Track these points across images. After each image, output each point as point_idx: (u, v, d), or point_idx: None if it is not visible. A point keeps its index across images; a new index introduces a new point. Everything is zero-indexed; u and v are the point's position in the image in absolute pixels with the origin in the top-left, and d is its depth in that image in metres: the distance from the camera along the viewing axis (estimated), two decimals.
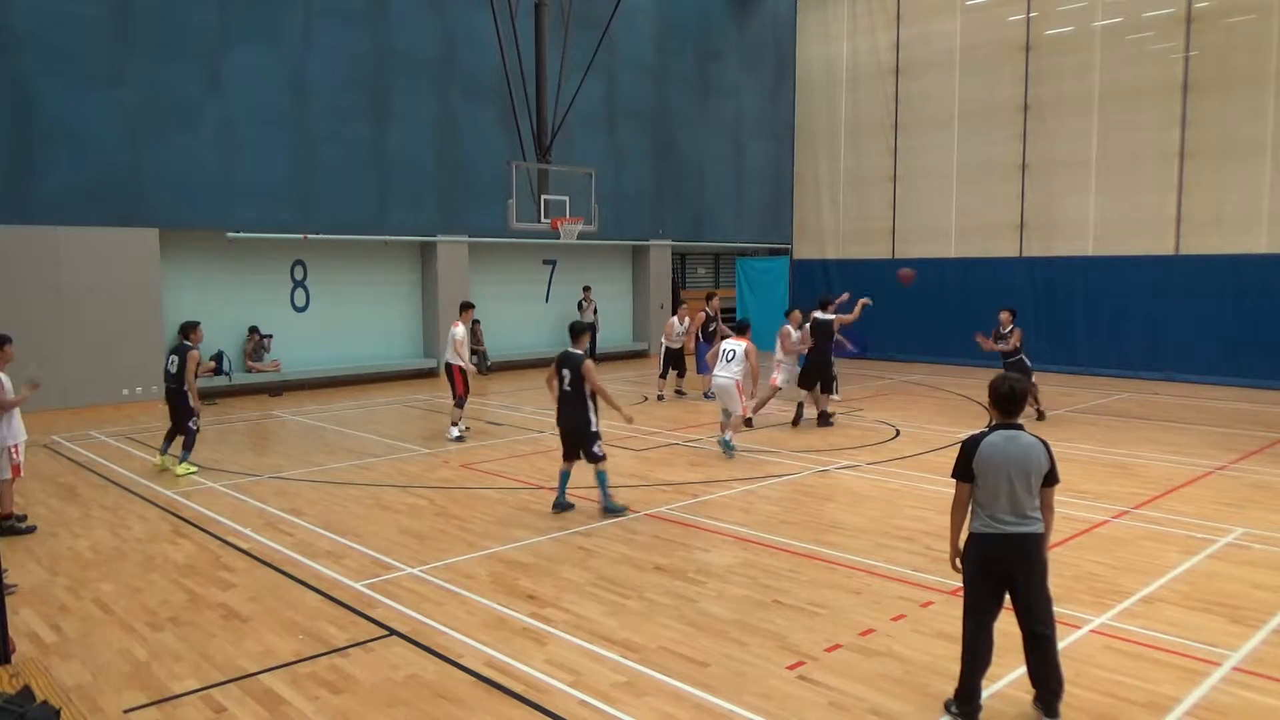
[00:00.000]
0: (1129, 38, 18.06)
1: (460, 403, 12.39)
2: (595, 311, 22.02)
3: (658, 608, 6.13)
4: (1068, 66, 18.72)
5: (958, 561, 4.69)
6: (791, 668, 5.18)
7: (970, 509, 4.60)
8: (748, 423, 11.88)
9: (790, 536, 7.71)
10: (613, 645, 5.52)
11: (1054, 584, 6.31)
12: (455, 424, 12.43)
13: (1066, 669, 5.04)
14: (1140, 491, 9.14)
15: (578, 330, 8.76)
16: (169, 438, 10.60)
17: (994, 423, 4.64)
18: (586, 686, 4.97)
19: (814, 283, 23.46)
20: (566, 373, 8.46)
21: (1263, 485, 9.41)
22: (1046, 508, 4.54)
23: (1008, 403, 4.56)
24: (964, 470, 4.54)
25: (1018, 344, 13.16)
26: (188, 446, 10.38)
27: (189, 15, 15.80)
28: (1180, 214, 17.53)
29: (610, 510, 8.42)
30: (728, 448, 10.97)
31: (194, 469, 10.37)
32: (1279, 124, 16.40)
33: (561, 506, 8.57)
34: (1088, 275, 18.69)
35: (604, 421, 8.90)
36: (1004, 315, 13.45)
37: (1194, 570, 6.78)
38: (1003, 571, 4.47)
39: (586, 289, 22.15)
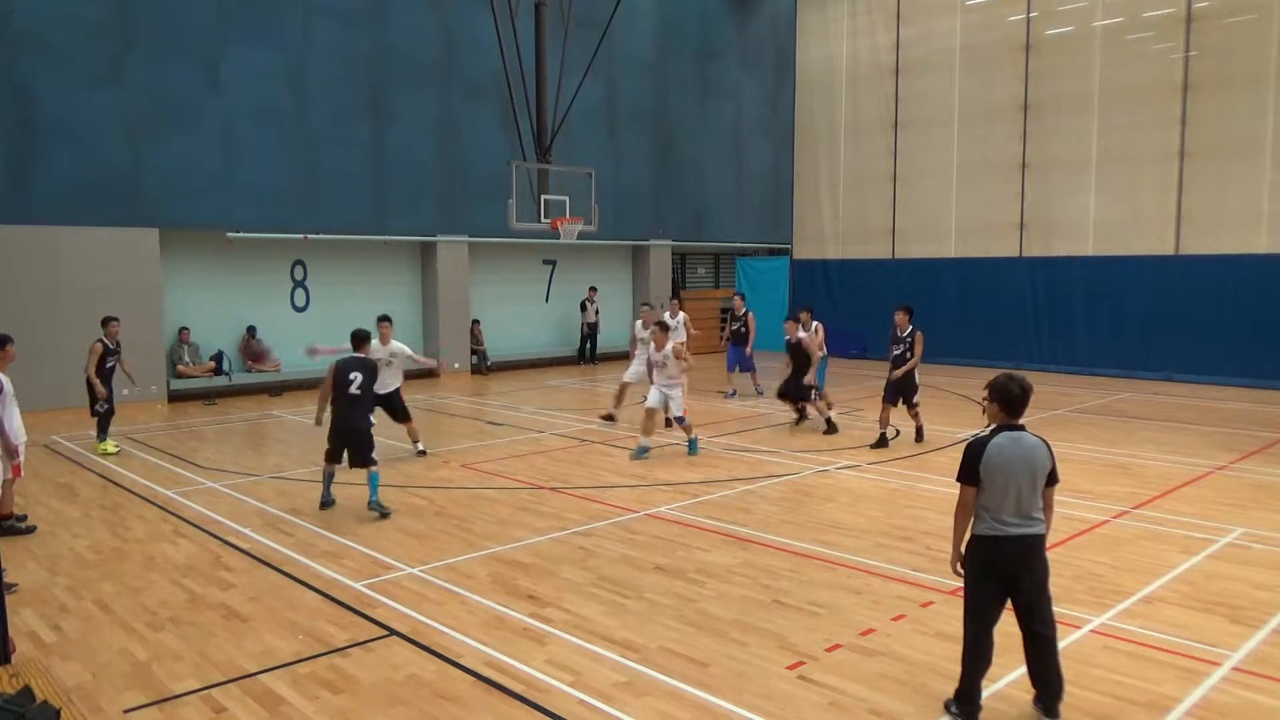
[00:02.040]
0: (1129, 38, 18.06)
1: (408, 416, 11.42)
2: (597, 313, 22.03)
3: (658, 608, 6.13)
4: (1068, 66, 18.72)
5: (959, 565, 4.66)
6: (791, 668, 5.18)
7: (974, 512, 4.56)
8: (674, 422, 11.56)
9: (790, 536, 7.71)
10: (613, 645, 5.52)
11: (1054, 584, 6.31)
12: (416, 440, 11.46)
13: (1066, 669, 5.04)
14: (1140, 491, 9.13)
15: (361, 337, 8.99)
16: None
17: (996, 424, 4.57)
18: (586, 686, 4.97)
19: (814, 283, 23.49)
20: (358, 376, 8.56)
21: (1263, 485, 9.41)
22: (1047, 507, 4.53)
23: (1019, 405, 4.51)
24: (971, 474, 4.50)
25: (919, 352, 11.73)
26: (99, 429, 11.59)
27: (189, 15, 15.80)
28: (1180, 214, 17.53)
29: (377, 507, 8.52)
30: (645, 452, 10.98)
31: (114, 449, 11.56)
32: (1279, 124, 16.40)
33: (328, 504, 8.82)
34: (1088, 275, 18.69)
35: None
36: (899, 316, 12.07)
37: (1194, 570, 6.77)
38: (1006, 573, 4.46)
39: (592, 289, 22.10)
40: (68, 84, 14.65)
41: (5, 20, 14.08)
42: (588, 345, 22.10)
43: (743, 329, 16.44)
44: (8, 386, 7.72)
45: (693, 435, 11.29)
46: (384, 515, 8.43)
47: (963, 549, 4.63)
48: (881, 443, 11.41)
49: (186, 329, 16.40)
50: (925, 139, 21.10)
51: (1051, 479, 4.52)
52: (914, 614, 5.95)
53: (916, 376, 11.61)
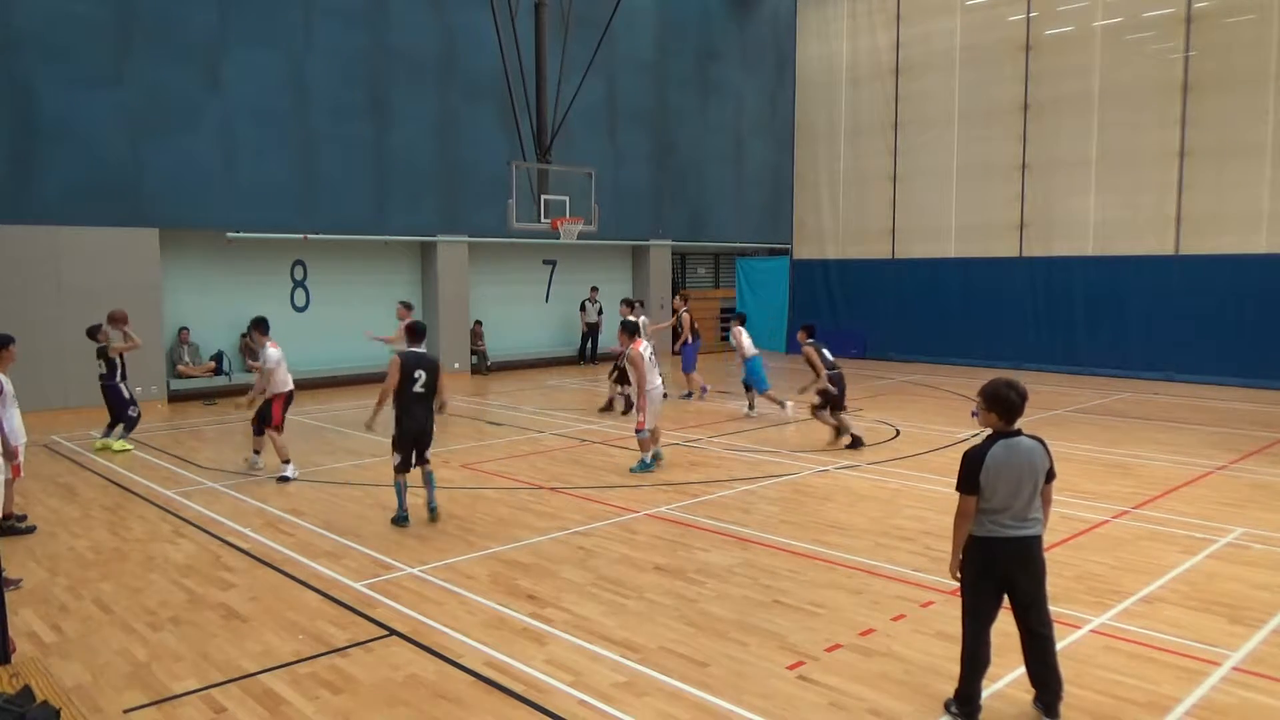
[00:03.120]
0: (1129, 38, 18.06)
1: (262, 431, 10.51)
2: (600, 312, 22.00)
3: (658, 608, 6.13)
4: (1068, 66, 18.72)
5: (958, 570, 4.65)
6: (791, 668, 5.18)
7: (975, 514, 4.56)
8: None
9: (790, 536, 7.71)
10: (613, 645, 5.52)
11: (1054, 584, 6.31)
12: (258, 452, 10.68)
13: (1066, 669, 5.04)
14: (1140, 491, 9.13)
15: (418, 331, 8.49)
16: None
17: (993, 431, 4.53)
18: (586, 686, 4.97)
19: (814, 283, 23.50)
20: (422, 373, 8.16)
21: (1263, 485, 9.41)
22: (1045, 502, 4.55)
23: (1017, 412, 4.47)
24: (970, 484, 4.47)
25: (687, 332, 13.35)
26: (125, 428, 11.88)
27: (189, 15, 15.80)
28: (1180, 214, 17.53)
29: (433, 509, 8.37)
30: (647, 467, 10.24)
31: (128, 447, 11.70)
32: (1279, 124, 16.40)
33: (403, 521, 8.32)
34: (1088, 275, 18.70)
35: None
36: (675, 301, 13.66)
37: (1194, 570, 6.77)
38: (1003, 574, 4.47)
39: (594, 289, 22.08)
40: (68, 84, 14.65)
41: (5, 20, 14.08)
42: (588, 345, 22.07)
43: (679, 328, 16.20)
44: (8, 387, 7.72)
45: (645, 455, 10.20)
46: (434, 518, 8.30)
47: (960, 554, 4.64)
48: (856, 443, 11.35)
49: (186, 329, 16.40)
50: (925, 139, 21.11)
51: (1050, 476, 4.53)
52: (914, 614, 5.95)
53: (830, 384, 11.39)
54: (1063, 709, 4.58)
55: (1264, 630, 5.63)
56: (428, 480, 8.35)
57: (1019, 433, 4.50)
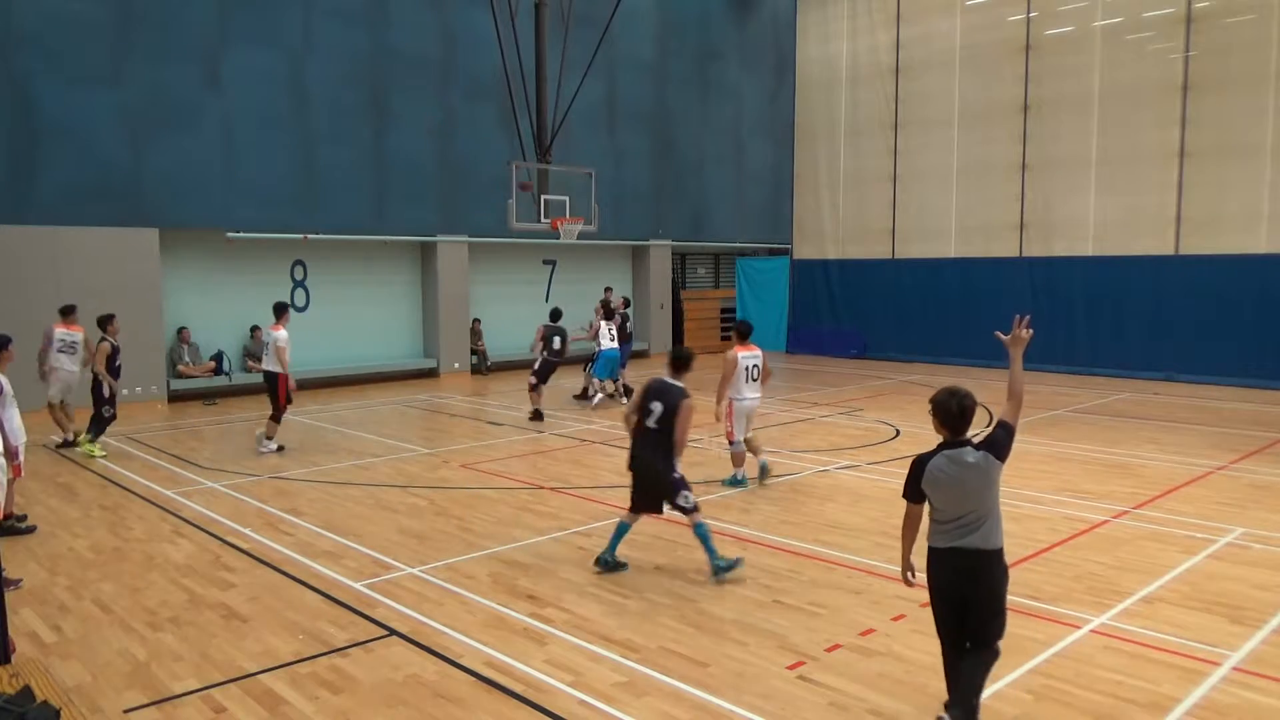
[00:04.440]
0: (1129, 38, 18.06)
1: (278, 416, 11.49)
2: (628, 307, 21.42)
3: (658, 608, 6.13)
4: (1068, 66, 18.72)
5: (909, 575, 4.57)
6: (791, 668, 5.18)
7: (929, 524, 4.41)
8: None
9: (790, 536, 7.71)
10: (613, 645, 5.52)
11: (1054, 584, 6.34)
12: (270, 438, 11.50)
13: (1066, 669, 5.06)
14: (1140, 491, 9.13)
15: (683, 359, 7.13)
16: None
17: (940, 441, 4.39)
18: (586, 686, 4.97)
19: (814, 283, 23.51)
20: (658, 406, 6.79)
21: (1263, 485, 9.41)
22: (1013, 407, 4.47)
23: (957, 423, 4.31)
24: (911, 491, 4.40)
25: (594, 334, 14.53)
26: (94, 429, 11.49)
27: (189, 15, 15.80)
28: (1180, 214, 17.53)
29: (722, 569, 6.67)
30: (739, 483, 9.53)
31: (100, 453, 11.35)
32: (1279, 124, 16.40)
33: (610, 565, 6.85)
34: (1088, 275, 18.69)
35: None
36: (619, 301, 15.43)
37: (1194, 570, 6.77)
38: (955, 588, 4.30)
39: (608, 290, 21.17)
40: (68, 84, 14.65)
41: (5, 20, 14.08)
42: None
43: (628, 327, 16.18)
44: (7, 387, 7.72)
45: (736, 470, 9.62)
46: (720, 576, 6.64)
47: (913, 559, 4.53)
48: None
49: (186, 329, 16.40)
50: (925, 139, 21.10)
51: (1001, 456, 4.29)
52: (914, 614, 5.95)
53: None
54: (1064, 709, 4.58)
55: (1264, 630, 5.63)
56: (699, 535, 6.75)
57: (967, 443, 4.32)
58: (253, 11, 16.51)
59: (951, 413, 4.30)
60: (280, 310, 11.75)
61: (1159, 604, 6.09)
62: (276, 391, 11.42)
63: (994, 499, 4.30)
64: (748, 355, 9.40)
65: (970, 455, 4.27)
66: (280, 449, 11.52)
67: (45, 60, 14.44)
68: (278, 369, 11.36)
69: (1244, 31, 16.69)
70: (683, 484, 6.78)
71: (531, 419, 13.74)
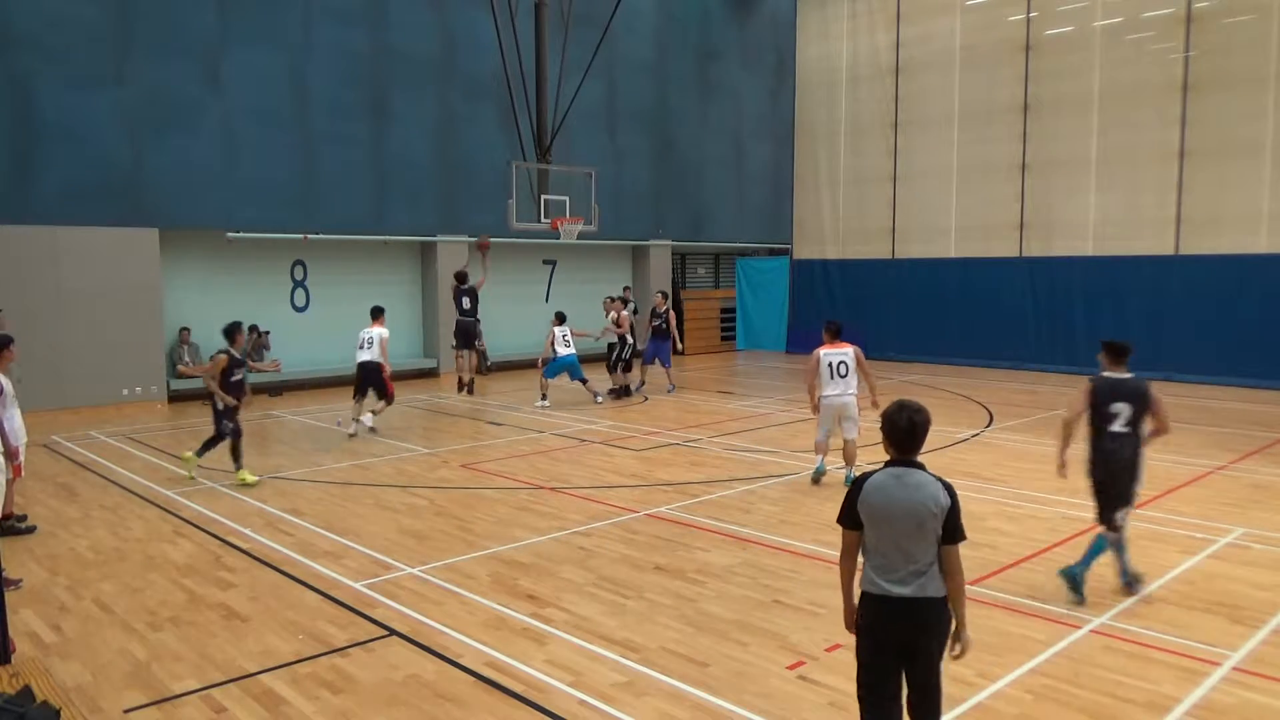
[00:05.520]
0: (1129, 38, 18.06)
1: (390, 400, 12.93)
2: (636, 312, 21.20)
3: (658, 608, 6.13)
4: (1068, 66, 18.72)
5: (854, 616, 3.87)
6: (791, 668, 5.18)
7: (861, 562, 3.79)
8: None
9: (790, 536, 7.71)
10: (613, 645, 5.52)
11: (1054, 584, 6.33)
12: (376, 413, 12.87)
13: (1066, 669, 5.05)
14: (1140, 491, 9.12)
15: (1121, 351, 6.34)
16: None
17: (887, 459, 3.81)
18: (586, 686, 4.97)
19: (814, 283, 23.51)
20: (1124, 408, 6.09)
21: (1263, 485, 9.41)
22: (948, 572, 3.60)
23: (905, 439, 3.73)
24: (848, 515, 3.76)
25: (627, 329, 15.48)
26: (205, 446, 9.99)
27: (189, 15, 15.80)
28: (1180, 214, 17.53)
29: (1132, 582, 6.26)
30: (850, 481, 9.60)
31: (250, 479, 9.84)
32: (1279, 124, 16.40)
33: (1077, 583, 6.10)
34: (1088, 275, 18.69)
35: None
36: (658, 298, 16.34)
37: (1194, 570, 6.77)
38: (894, 641, 3.65)
39: (627, 288, 20.33)
40: (68, 84, 14.65)
41: (5, 20, 14.08)
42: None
43: (663, 325, 16.44)
44: (8, 388, 7.72)
45: (818, 459, 9.72)
46: (1132, 588, 6.22)
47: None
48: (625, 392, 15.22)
49: (187, 329, 16.40)
50: (925, 139, 21.10)
51: (951, 534, 3.58)
52: None
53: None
54: (1063, 709, 4.58)
55: (1264, 630, 5.63)
56: (1111, 547, 6.23)
57: (918, 466, 3.71)
58: (253, 11, 16.51)
59: (899, 427, 3.72)
60: (378, 312, 13.12)
61: (1159, 604, 6.09)
62: (381, 381, 12.69)
63: (934, 539, 3.59)
64: (830, 352, 9.54)
65: (917, 477, 3.65)
66: (373, 430, 12.72)
67: (45, 60, 14.44)
68: (379, 360, 12.63)
69: (1244, 31, 16.69)
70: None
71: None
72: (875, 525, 3.67)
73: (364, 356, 12.76)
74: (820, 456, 9.72)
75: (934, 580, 3.59)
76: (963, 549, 3.66)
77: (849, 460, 9.58)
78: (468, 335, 15.94)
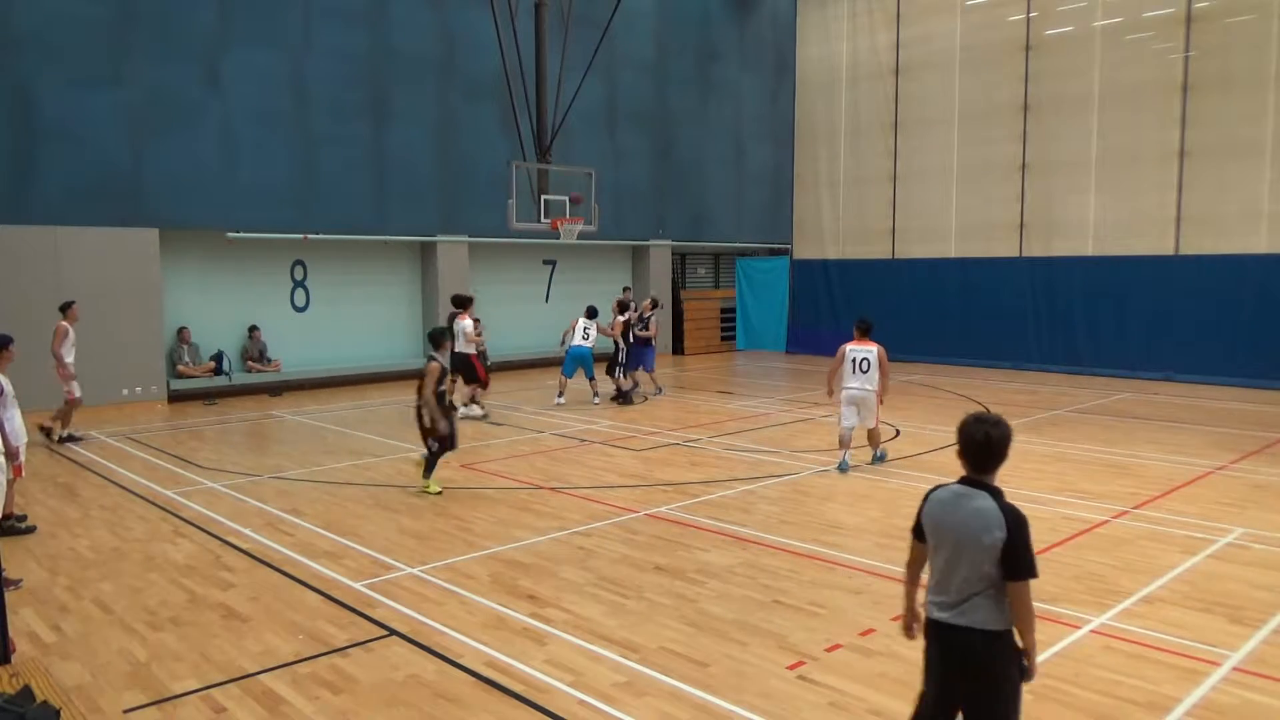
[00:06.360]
0: (1129, 38, 18.07)
1: (485, 385, 14.02)
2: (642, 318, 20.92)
3: (658, 608, 6.13)
4: (1068, 66, 18.72)
5: (911, 629, 3.81)
6: (791, 668, 5.18)
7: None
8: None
9: (790, 536, 7.71)
10: (613, 645, 5.52)
11: (1054, 584, 6.33)
12: (478, 402, 13.99)
13: (1066, 669, 5.05)
14: (1140, 491, 9.13)
15: None
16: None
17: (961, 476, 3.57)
18: (586, 686, 4.97)
19: (814, 283, 23.51)
20: None
21: (1263, 485, 9.41)
22: (1012, 610, 3.34)
23: (978, 454, 3.45)
24: (916, 524, 3.62)
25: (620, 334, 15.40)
26: (426, 464, 9.31)
27: (189, 15, 15.80)
28: (1180, 214, 17.53)
29: None
30: (882, 459, 10.46)
31: (434, 489, 9.26)
32: (1279, 124, 16.40)
33: None
34: (1088, 275, 18.70)
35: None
36: (647, 304, 16.20)
37: (1194, 570, 6.77)
38: (943, 671, 3.48)
39: (627, 289, 20.62)
40: (68, 84, 14.65)
41: (5, 20, 14.08)
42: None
43: (645, 328, 16.08)
44: (8, 388, 7.74)
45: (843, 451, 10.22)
46: None
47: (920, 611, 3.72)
48: (626, 399, 15.23)
49: (186, 329, 16.41)
50: (925, 139, 21.11)
51: (1015, 569, 3.29)
52: None
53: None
54: (1063, 709, 4.58)
55: (1264, 630, 5.63)
56: None
57: (986, 488, 3.44)
58: (253, 11, 16.51)
59: (974, 441, 3.44)
60: (466, 302, 14.20)
61: (1159, 604, 6.09)
62: (472, 368, 13.60)
63: (990, 569, 3.34)
64: (856, 349, 10.26)
65: (977, 502, 3.38)
66: (485, 415, 13.76)
67: (45, 60, 14.44)
68: (469, 350, 13.60)
69: (1244, 31, 16.69)
70: None
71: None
72: (931, 540, 3.54)
73: (457, 348, 13.46)
74: (844, 451, 10.26)
75: (980, 611, 3.35)
76: None
77: (873, 443, 10.56)
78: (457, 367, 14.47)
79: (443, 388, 9.38)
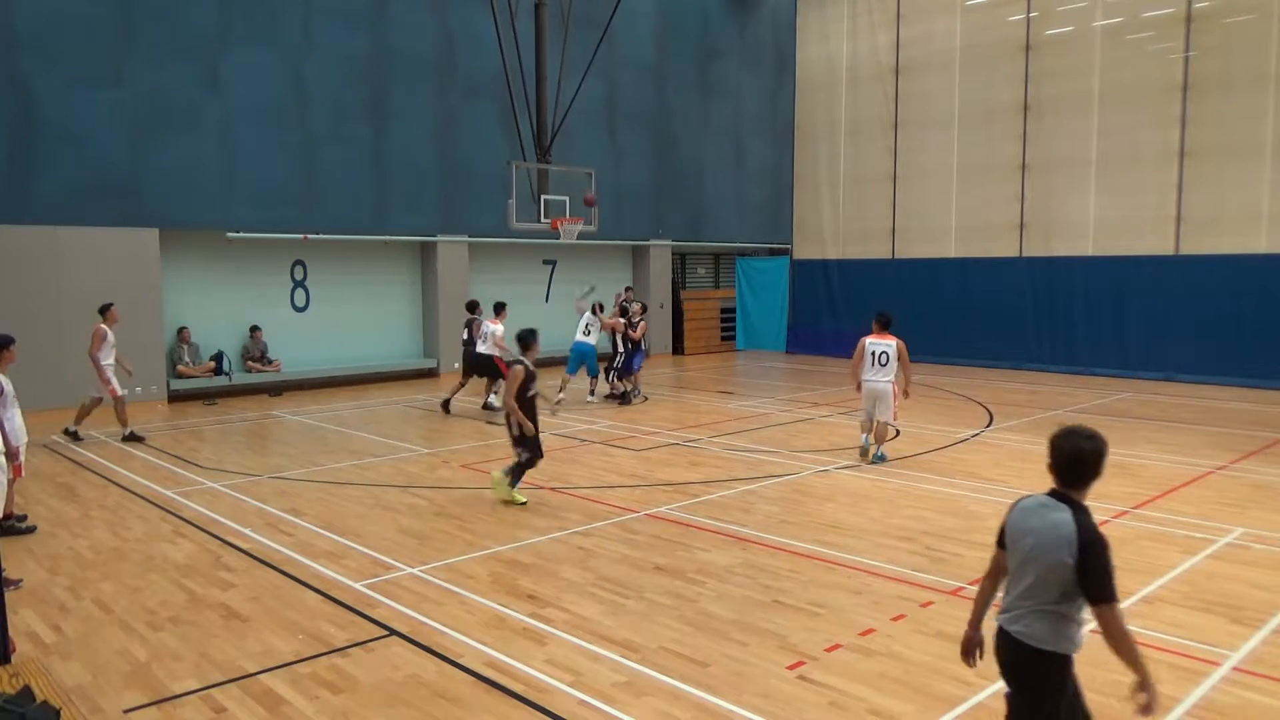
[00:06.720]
0: (1129, 38, 18.07)
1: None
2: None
3: (658, 608, 6.13)
4: (1068, 66, 18.72)
5: (975, 654, 3.74)
6: (791, 668, 5.18)
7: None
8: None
9: (790, 536, 7.71)
10: (613, 645, 5.52)
11: None
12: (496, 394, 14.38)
13: None
14: (1140, 491, 9.13)
15: None
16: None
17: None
18: (586, 686, 4.97)
19: (814, 283, 23.52)
20: None
21: (1263, 485, 9.41)
22: (1106, 639, 3.25)
23: (1067, 466, 3.36)
24: (1000, 531, 3.57)
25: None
26: (513, 473, 8.89)
27: (189, 15, 15.80)
28: (1180, 214, 17.54)
29: None
30: (881, 460, 10.52)
31: (520, 499, 8.86)
32: (1279, 124, 16.40)
33: None
34: (1088, 275, 18.70)
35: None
36: (635, 306, 16.26)
37: (1194, 570, 6.78)
38: (1004, 677, 3.49)
39: (629, 289, 20.54)
40: (68, 84, 14.65)
41: (5, 20, 14.08)
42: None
43: (633, 330, 15.91)
44: (8, 388, 7.74)
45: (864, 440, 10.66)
46: None
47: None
48: (624, 399, 15.37)
49: (186, 329, 16.41)
50: (925, 139, 21.11)
51: (1094, 591, 3.22)
52: (914, 614, 5.95)
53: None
54: None
55: (1264, 630, 5.63)
56: None
57: (1071, 503, 3.35)
58: (253, 11, 16.51)
59: (1062, 454, 3.37)
60: (500, 308, 14.71)
61: (1159, 604, 6.10)
62: (496, 369, 14.05)
63: (1062, 584, 3.27)
64: (875, 342, 10.54)
65: (1055, 514, 3.30)
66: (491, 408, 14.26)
67: (45, 60, 14.44)
68: (494, 352, 14.14)
69: (1244, 31, 16.69)
70: None
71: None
72: (1010, 551, 3.48)
73: (481, 349, 14.31)
74: (865, 434, 10.68)
75: (1034, 625, 3.29)
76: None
77: (879, 440, 10.63)
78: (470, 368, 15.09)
79: (531, 393, 8.86)
